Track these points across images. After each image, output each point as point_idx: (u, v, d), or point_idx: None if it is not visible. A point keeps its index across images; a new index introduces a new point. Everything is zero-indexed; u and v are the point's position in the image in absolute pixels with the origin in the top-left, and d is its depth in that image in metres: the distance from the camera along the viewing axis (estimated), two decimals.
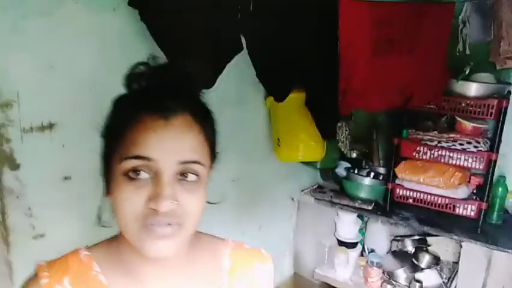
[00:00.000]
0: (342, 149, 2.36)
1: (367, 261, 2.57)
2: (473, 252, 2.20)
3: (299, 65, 1.71)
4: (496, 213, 2.32)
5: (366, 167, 2.63)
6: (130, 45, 1.54)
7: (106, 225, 0.69)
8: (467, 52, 1.98)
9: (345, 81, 1.77)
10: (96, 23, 1.46)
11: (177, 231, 0.60)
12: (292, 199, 2.71)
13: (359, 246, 2.75)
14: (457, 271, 2.38)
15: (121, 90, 1.64)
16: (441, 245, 2.68)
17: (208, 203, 0.67)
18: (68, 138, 1.48)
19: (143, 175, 0.59)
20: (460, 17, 1.95)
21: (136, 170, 0.59)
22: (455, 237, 2.23)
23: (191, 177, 0.62)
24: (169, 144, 0.59)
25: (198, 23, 1.50)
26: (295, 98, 1.94)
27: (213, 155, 0.68)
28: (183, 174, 0.61)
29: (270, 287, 0.79)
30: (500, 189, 2.30)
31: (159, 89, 0.62)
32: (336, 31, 1.69)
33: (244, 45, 1.63)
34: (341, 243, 2.70)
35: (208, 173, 0.66)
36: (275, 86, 1.74)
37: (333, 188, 2.72)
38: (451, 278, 2.50)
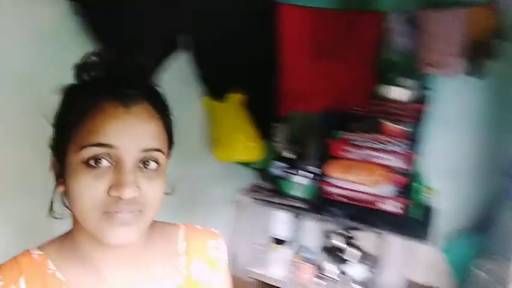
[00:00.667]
0: (279, 149, 2.42)
1: (300, 258, 2.66)
2: (394, 245, 2.37)
3: (238, 66, 1.73)
4: (415, 208, 2.51)
5: (300, 166, 2.71)
6: (65, 40, 1.47)
7: (58, 216, 0.68)
8: (394, 59, 2.12)
9: (284, 84, 1.82)
10: (29, 14, 1.37)
11: (138, 218, 0.61)
12: (230, 199, 2.72)
13: (293, 244, 2.83)
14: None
15: (54, 85, 1.56)
16: (368, 239, 2.84)
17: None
18: None
19: (104, 163, 0.59)
20: (388, 26, 2.09)
21: (96, 158, 0.59)
22: (378, 231, 2.38)
23: (152, 165, 0.63)
24: (130, 131, 0.60)
25: (135, 19, 1.46)
26: (234, 98, 1.96)
27: (170, 144, 0.70)
28: (144, 162, 0.62)
29: (225, 262, 0.84)
30: (419, 186, 2.50)
31: (116, 78, 0.63)
32: (275, 35, 1.74)
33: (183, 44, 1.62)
34: (276, 241, 2.77)
35: (166, 161, 0.67)
36: (213, 86, 1.75)
37: (269, 188, 2.78)
38: (376, 270, 2.66)
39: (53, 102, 1.47)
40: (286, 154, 2.73)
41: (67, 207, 0.66)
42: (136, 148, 0.60)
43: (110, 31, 1.40)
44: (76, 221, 0.65)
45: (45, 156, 1.45)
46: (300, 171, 2.62)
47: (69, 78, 1.47)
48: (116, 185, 0.58)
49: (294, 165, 2.72)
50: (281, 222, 2.75)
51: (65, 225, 0.69)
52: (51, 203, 0.69)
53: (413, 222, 2.46)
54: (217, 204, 2.62)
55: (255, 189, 2.78)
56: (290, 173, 2.61)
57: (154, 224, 0.76)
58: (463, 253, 2.32)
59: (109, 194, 0.58)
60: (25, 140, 1.41)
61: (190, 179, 2.33)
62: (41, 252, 0.66)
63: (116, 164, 0.59)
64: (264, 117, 1.90)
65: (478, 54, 2.10)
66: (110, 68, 0.63)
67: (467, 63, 2.16)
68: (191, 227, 0.83)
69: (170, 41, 1.60)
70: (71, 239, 0.67)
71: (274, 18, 1.69)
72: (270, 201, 2.61)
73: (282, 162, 2.71)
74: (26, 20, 1.36)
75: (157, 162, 0.63)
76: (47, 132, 1.46)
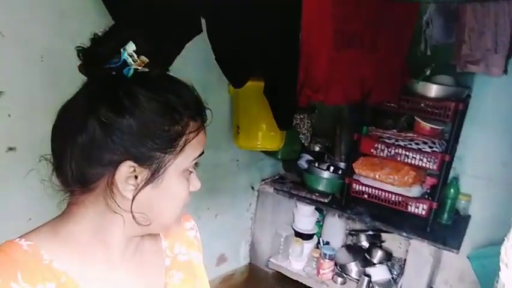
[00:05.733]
0: (303, 141, 2.38)
1: (320, 253, 2.61)
2: (420, 250, 2.26)
3: (259, 53, 1.70)
4: (446, 213, 2.37)
5: (328, 160, 2.65)
6: (85, 16, 1.52)
7: None
8: (429, 53, 2.00)
9: (304, 73, 1.77)
10: None
11: None
12: (252, 188, 2.72)
13: (315, 238, 2.79)
14: None
15: (74, 60, 1.60)
16: (395, 241, 2.74)
17: None
18: (15, 108, 1.46)
19: None
20: (424, 18, 1.97)
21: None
22: (404, 234, 2.27)
23: None
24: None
25: (158, 2, 1.47)
26: (257, 86, 1.92)
27: None
28: None
29: (199, 240, 0.89)
30: (452, 190, 2.36)
31: (199, 102, 0.70)
32: (299, 22, 1.69)
33: (204, 28, 1.61)
34: (298, 234, 2.74)
35: None
36: (233, 72, 1.73)
37: (294, 180, 2.75)
38: (400, 274, 2.56)
39: (74, 80, 1.53)
40: (313, 147, 2.68)
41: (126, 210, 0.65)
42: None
43: (127, 9, 1.42)
44: (79, 211, 0.65)
45: None
46: (326, 166, 2.57)
47: None
48: (195, 182, 0.71)
49: (321, 158, 2.66)
50: (304, 215, 2.71)
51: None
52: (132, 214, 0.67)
53: (442, 227, 2.34)
54: (240, 191, 2.62)
55: (278, 180, 2.76)
56: (317, 166, 2.56)
57: None
58: (491, 265, 2.16)
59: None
60: (42, 115, 1.48)
61: (214, 165, 2.35)
62: (30, 243, 0.62)
63: None
64: (283, 107, 1.86)
65: None
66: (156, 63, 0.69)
67: (511, 62, 2.01)
68: None
69: (192, 23, 1.60)
70: (66, 227, 0.65)
71: (300, 5, 1.64)
72: (292, 193, 2.57)
73: (309, 154, 2.67)
74: None
75: None
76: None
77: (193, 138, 0.66)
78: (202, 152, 0.69)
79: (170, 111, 0.64)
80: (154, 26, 1.48)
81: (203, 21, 1.61)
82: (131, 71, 0.63)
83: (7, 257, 0.59)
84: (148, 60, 0.65)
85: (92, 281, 0.64)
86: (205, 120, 0.70)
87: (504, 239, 0.68)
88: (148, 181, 0.63)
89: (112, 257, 0.67)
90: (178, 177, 0.66)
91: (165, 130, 0.63)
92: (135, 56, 0.64)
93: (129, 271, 0.70)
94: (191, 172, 0.70)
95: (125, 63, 0.63)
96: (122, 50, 0.63)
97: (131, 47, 0.64)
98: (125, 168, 0.62)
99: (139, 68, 0.64)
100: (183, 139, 0.65)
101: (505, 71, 2.01)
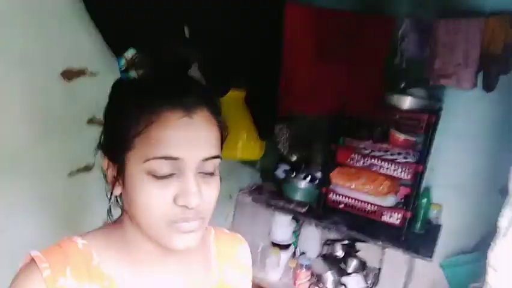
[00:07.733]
0: (282, 151, 2.40)
1: (297, 263, 2.62)
2: (395, 258, 2.30)
3: (241, 62, 1.72)
4: (419, 222, 2.44)
5: (305, 170, 2.68)
6: (67, 24, 1.49)
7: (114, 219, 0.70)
8: (404, 66, 2.07)
9: (285, 84, 1.80)
10: None
11: (201, 225, 0.63)
12: (230, 197, 2.71)
13: (292, 248, 2.80)
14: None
15: (55, 67, 1.55)
16: (369, 251, 2.78)
17: None
18: None
19: (168, 173, 0.60)
20: (400, 32, 2.05)
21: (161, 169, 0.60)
22: (380, 243, 2.32)
23: (210, 170, 0.64)
24: (194, 142, 0.60)
25: (141, 8, 1.47)
26: (237, 96, 1.95)
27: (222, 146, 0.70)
28: (203, 169, 0.63)
29: (250, 267, 0.86)
30: (424, 200, 2.43)
31: (175, 84, 0.62)
32: (280, 33, 1.72)
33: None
34: (274, 244, 2.74)
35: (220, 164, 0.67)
36: (215, 81, 1.73)
37: (271, 190, 2.75)
38: (374, 284, 2.60)
39: (52, 85, 1.49)
40: (291, 157, 2.70)
41: (122, 209, 0.67)
42: (199, 158, 0.61)
43: (111, 18, 1.41)
44: (129, 219, 0.65)
45: (43, 138, 1.47)
46: (303, 175, 2.59)
47: (69, 61, 1.49)
48: (183, 194, 0.59)
49: (298, 168, 2.69)
50: (281, 225, 2.71)
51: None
52: (110, 207, 0.68)
53: (415, 236, 2.40)
54: (218, 201, 2.60)
55: (256, 190, 2.76)
56: (294, 176, 2.58)
57: None
58: (463, 272, 2.23)
59: (175, 203, 0.59)
60: (21, 120, 1.43)
61: None
62: (85, 242, 0.65)
63: (179, 173, 0.60)
64: (264, 116, 1.88)
65: (491, 68, 2.04)
66: (158, 66, 0.63)
67: (480, 76, 2.10)
68: (220, 230, 0.85)
69: (175, 31, 1.60)
70: (120, 234, 0.67)
71: (281, 15, 1.68)
72: (269, 203, 2.58)
73: (286, 164, 2.69)
74: (27, 1, 1.38)
75: (214, 168, 0.64)
76: (46, 114, 1.48)
77: (141, 132, 0.59)
78: (172, 157, 0.58)
79: (128, 103, 0.62)
80: (138, 33, 1.48)
81: (186, 29, 1.62)
82: (127, 75, 0.65)
83: (61, 251, 0.62)
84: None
85: None
86: (188, 111, 0.60)
87: (491, 244, 0.70)
88: (116, 179, 0.63)
89: (157, 267, 0.67)
90: (140, 177, 0.59)
91: (119, 123, 0.62)
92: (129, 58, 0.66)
93: (174, 283, 0.70)
94: (170, 176, 0.59)
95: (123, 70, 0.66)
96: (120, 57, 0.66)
97: (130, 52, 0.65)
98: (104, 164, 0.65)
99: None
100: (132, 133, 0.59)
101: (475, 85, 2.10)
